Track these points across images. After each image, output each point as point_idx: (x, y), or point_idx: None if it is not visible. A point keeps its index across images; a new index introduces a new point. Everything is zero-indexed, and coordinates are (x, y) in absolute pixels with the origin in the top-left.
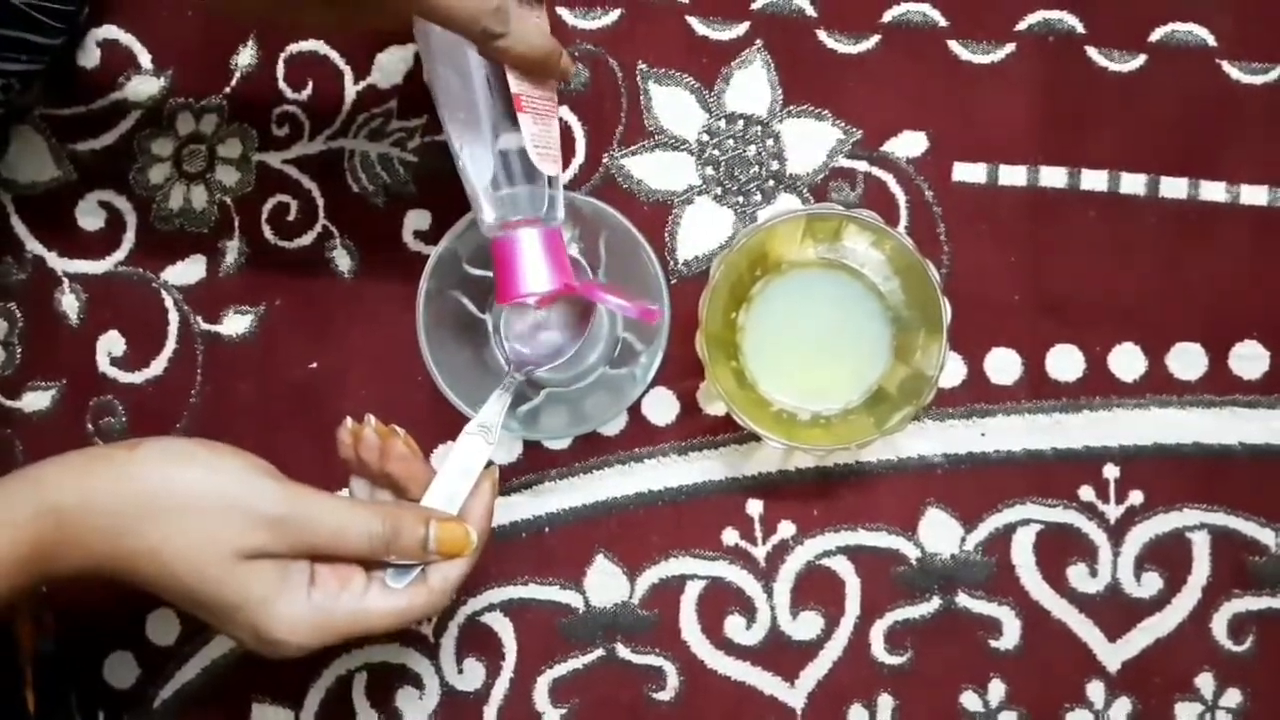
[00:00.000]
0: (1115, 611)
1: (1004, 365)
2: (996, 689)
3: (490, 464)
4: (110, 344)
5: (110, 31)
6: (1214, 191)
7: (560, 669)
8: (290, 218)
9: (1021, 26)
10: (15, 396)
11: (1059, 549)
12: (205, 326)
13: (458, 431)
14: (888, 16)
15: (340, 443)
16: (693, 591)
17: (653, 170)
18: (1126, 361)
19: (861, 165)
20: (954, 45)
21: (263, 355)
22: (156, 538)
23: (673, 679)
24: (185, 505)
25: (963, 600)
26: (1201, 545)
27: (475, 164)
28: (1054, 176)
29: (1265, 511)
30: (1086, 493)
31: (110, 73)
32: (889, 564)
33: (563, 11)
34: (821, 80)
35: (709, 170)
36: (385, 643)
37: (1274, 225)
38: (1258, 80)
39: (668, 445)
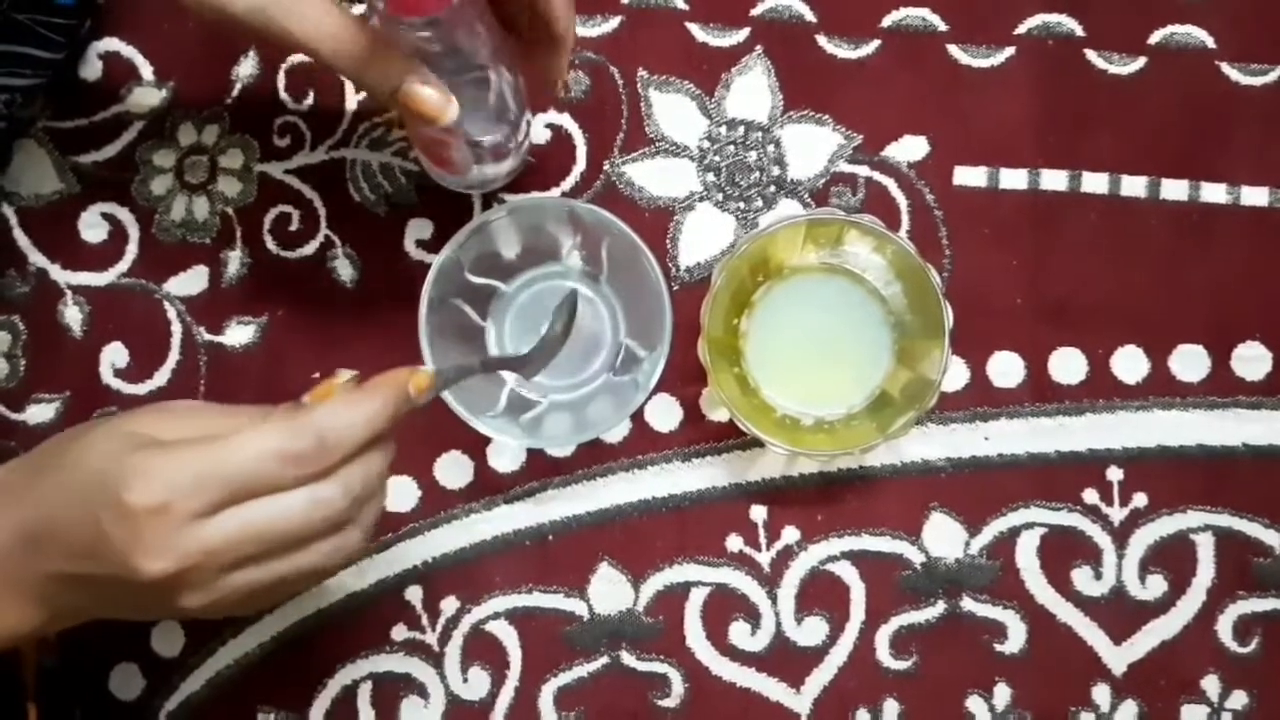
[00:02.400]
0: (1120, 614)
1: (1006, 368)
2: (1002, 693)
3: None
4: (113, 355)
5: (112, 44)
6: (1215, 193)
7: (565, 677)
8: (292, 228)
9: (1021, 30)
10: (19, 409)
11: (1063, 552)
12: (208, 337)
13: (460, 439)
14: (887, 21)
15: None
16: (697, 598)
17: (654, 177)
18: (1129, 364)
19: (862, 170)
20: (953, 49)
21: (265, 365)
22: (63, 445)
23: (678, 686)
24: (94, 421)
25: (967, 604)
26: (1206, 547)
27: None
28: (1055, 179)
29: (1269, 512)
30: (1090, 495)
31: (112, 85)
32: (893, 569)
33: None
34: (822, 85)
35: (710, 176)
36: (390, 652)
37: (1275, 226)
38: (1257, 82)
39: (671, 452)
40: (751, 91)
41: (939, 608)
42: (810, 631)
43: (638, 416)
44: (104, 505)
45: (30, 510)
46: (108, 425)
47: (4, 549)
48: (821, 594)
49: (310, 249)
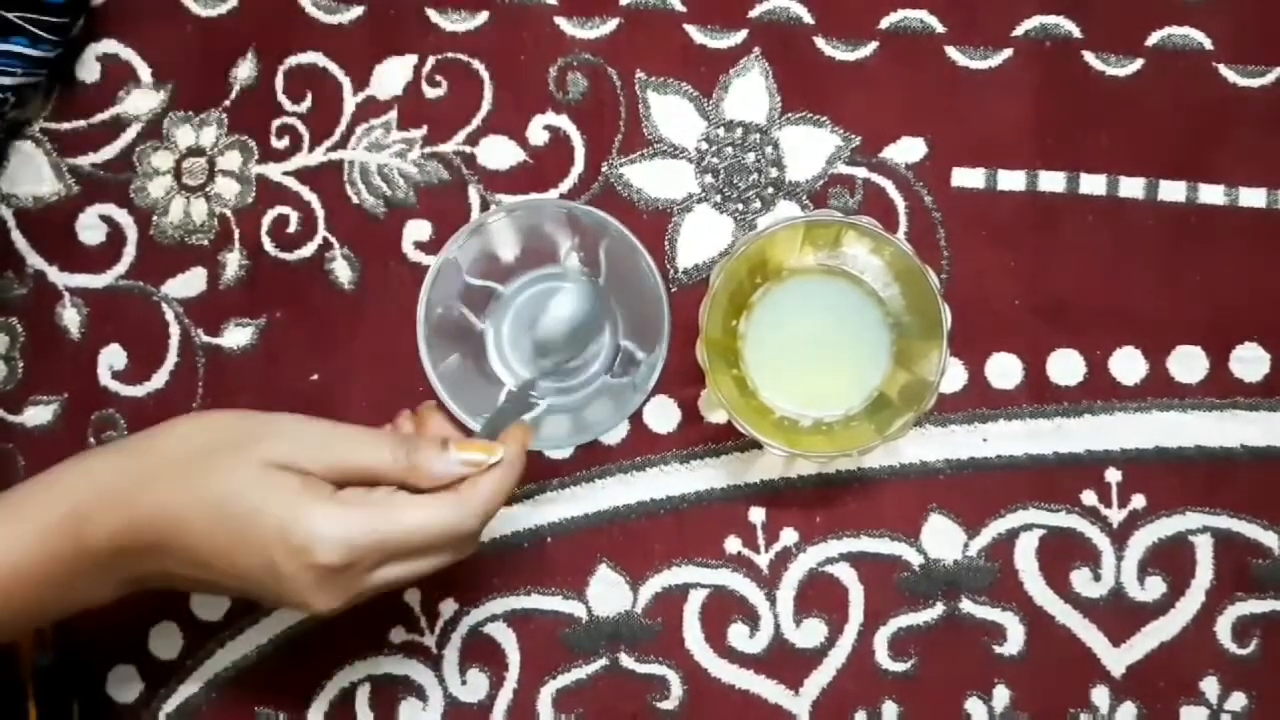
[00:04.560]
0: (1119, 616)
1: (1005, 370)
2: (1001, 695)
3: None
4: (111, 357)
5: (110, 46)
6: (1213, 194)
7: (564, 679)
8: (290, 229)
9: (1019, 32)
10: (17, 411)
11: (1062, 554)
12: (206, 339)
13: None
14: (885, 23)
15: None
16: (696, 600)
17: (652, 178)
18: (1127, 365)
19: (860, 171)
20: (951, 51)
21: (264, 367)
22: (184, 455)
23: (676, 688)
24: (211, 433)
25: (966, 606)
26: (1204, 548)
27: None
28: (1053, 181)
29: (1268, 514)
30: (1089, 497)
31: (110, 87)
32: (892, 570)
33: (561, 21)
34: (820, 87)
35: (708, 178)
36: (388, 654)
37: (1273, 227)
38: (1255, 83)
39: (669, 454)
40: (749, 93)
41: (938, 609)
42: (809, 633)
43: (636, 418)
44: (287, 554)
45: (154, 517)
46: (244, 452)
47: (112, 547)
48: (820, 596)
49: (308, 251)
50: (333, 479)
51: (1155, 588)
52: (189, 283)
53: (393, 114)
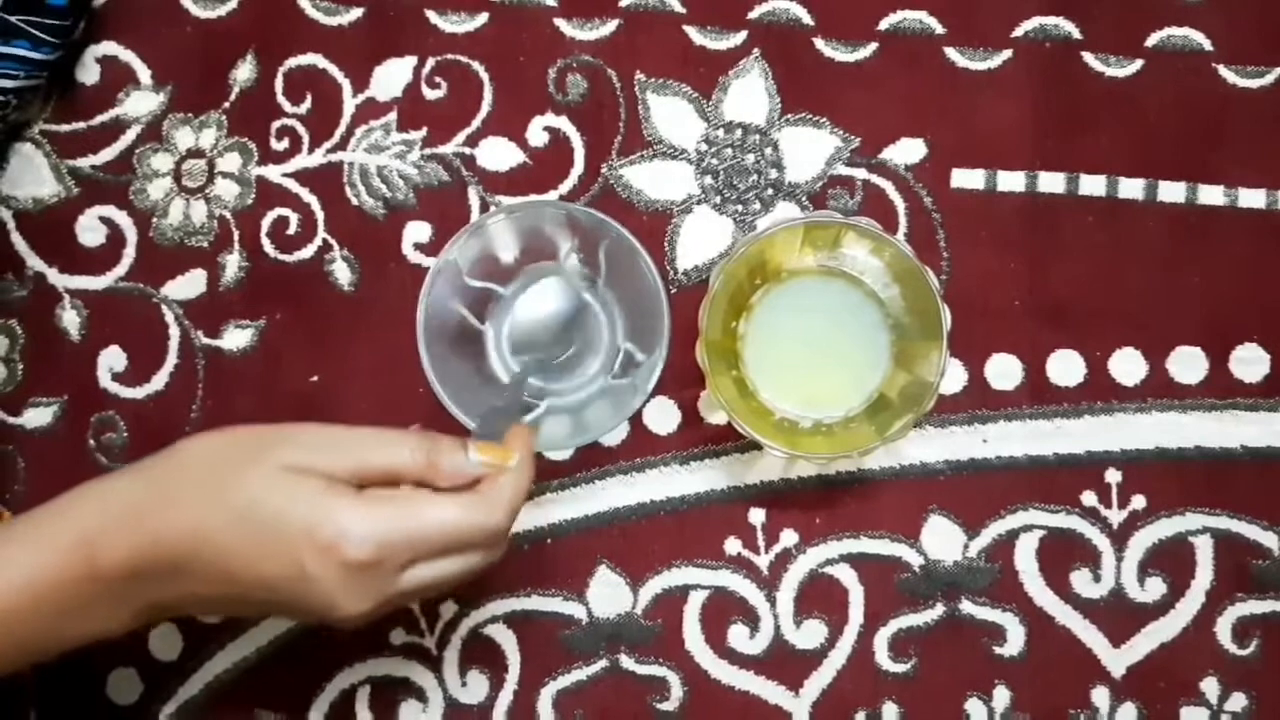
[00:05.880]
0: (1119, 617)
1: (1005, 371)
2: (1001, 696)
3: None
4: (111, 359)
5: (110, 48)
6: (1212, 195)
7: (564, 680)
8: (290, 231)
9: (1018, 33)
10: (17, 413)
11: (1062, 554)
12: (206, 341)
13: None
14: (885, 24)
15: None
16: (696, 601)
17: (651, 180)
18: (1127, 366)
19: (860, 173)
20: (951, 52)
21: (263, 369)
22: (201, 472)
23: (676, 689)
24: (227, 447)
25: (966, 607)
26: (1204, 549)
27: None
28: (1052, 182)
29: (1268, 514)
30: (1089, 498)
31: (110, 89)
32: (892, 571)
33: (560, 22)
34: (819, 88)
35: (708, 179)
36: (388, 656)
37: (1273, 228)
38: (1254, 84)
39: (669, 455)
40: (749, 94)
41: (938, 610)
42: (809, 634)
43: (636, 419)
44: (315, 554)
45: (175, 535)
46: (263, 460)
47: (127, 571)
48: (820, 597)
49: (308, 252)
50: (353, 480)
51: (1155, 588)
52: (189, 284)
53: (392, 115)
